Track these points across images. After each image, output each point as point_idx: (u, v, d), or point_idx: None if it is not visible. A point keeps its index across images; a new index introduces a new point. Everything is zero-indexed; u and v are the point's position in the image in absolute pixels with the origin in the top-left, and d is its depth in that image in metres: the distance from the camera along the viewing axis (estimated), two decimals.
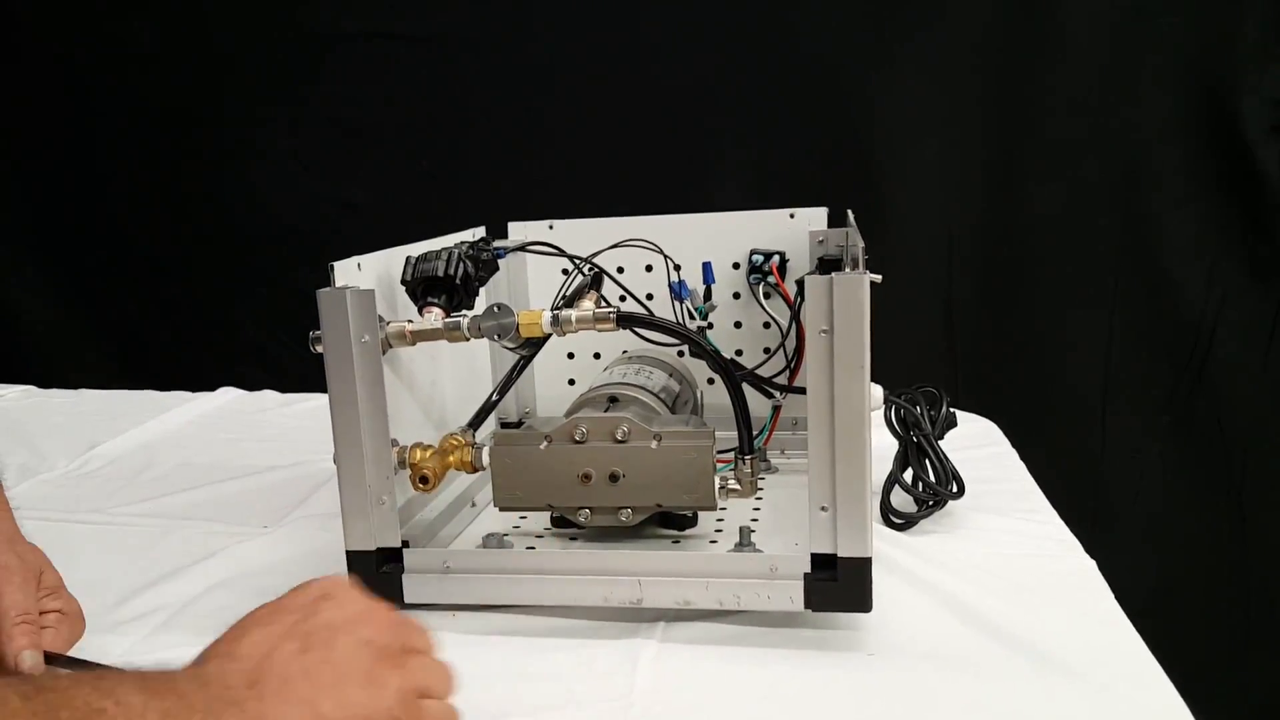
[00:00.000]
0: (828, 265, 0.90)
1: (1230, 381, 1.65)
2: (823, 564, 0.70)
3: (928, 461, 0.92)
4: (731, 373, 0.79)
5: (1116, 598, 0.77)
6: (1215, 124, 1.58)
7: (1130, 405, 1.69)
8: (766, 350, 1.05)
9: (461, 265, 0.80)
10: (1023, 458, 1.11)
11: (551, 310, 0.78)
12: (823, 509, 0.69)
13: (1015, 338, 1.72)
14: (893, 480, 0.93)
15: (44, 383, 1.70)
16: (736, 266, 1.05)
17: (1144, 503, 1.71)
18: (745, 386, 0.84)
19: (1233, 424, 1.66)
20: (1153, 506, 1.71)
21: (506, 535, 0.85)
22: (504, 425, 1.10)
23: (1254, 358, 1.63)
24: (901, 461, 0.94)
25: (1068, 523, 0.92)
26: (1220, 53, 1.55)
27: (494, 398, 0.90)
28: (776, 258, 1.02)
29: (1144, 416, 1.69)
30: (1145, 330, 1.66)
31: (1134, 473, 1.71)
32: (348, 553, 0.76)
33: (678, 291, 0.95)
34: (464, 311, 0.80)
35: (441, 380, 0.90)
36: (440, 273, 0.79)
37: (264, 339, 1.96)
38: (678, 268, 0.95)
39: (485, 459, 0.81)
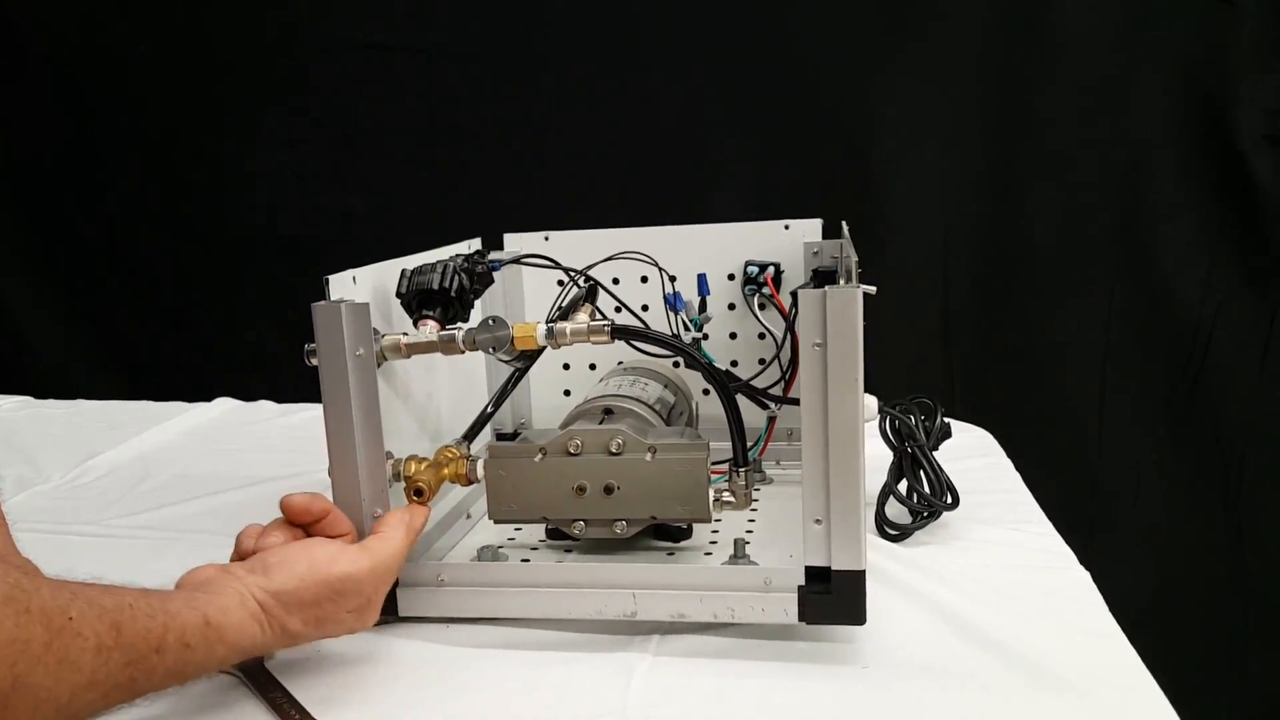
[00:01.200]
0: (822, 276, 0.90)
1: (1226, 388, 1.65)
2: (817, 577, 0.70)
3: (922, 472, 0.93)
4: (725, 385, 0.78)
5: (1114, 605, 0.77)
6: (1210, 132, 1.58)
7: (1127, 413, 1.70)
8: (762, 361, 1.05)
9: (457, 278, 0.80)
10: (1019, 465, 1.11)
11: (546, 323, 0.78)
12: (816, 522, 0.69)
13: (1011, 345, 1.72)
14: (887, 491, 0.93)
15: (40, 393, 1.70)
16: (732, 278, 1.05)
17: (1141, 510, 1.72)
18: (740, 397, 0.84)
19: (1229, 431, 1.66)
20: (1150, 514, 1.71)
21: (501, 548, 0.85)
22: (499, 437, 1.10)
23: (1250, 364, 1.63)
24: (896, 472, 0.94)
25: (1064, 530, 0.92)
26: (1216, 62, 1.56)
27: (489, 410, 0.90)
28: (771, 269, 1.02)
29: (1140, 424, 1.70)
30: (1141, 338, 1.67)
31: (1131, 480, 1.71)
32: None
33: (673, 303, 0.95)
34: (459, 324, 0.79)
35: (437, 393, 0.90)
36: (435, 286, 0.79)
37: (261, 349, 1.95)
38: (673, 279, 0.95)
39: (480, 471, 0.81)
